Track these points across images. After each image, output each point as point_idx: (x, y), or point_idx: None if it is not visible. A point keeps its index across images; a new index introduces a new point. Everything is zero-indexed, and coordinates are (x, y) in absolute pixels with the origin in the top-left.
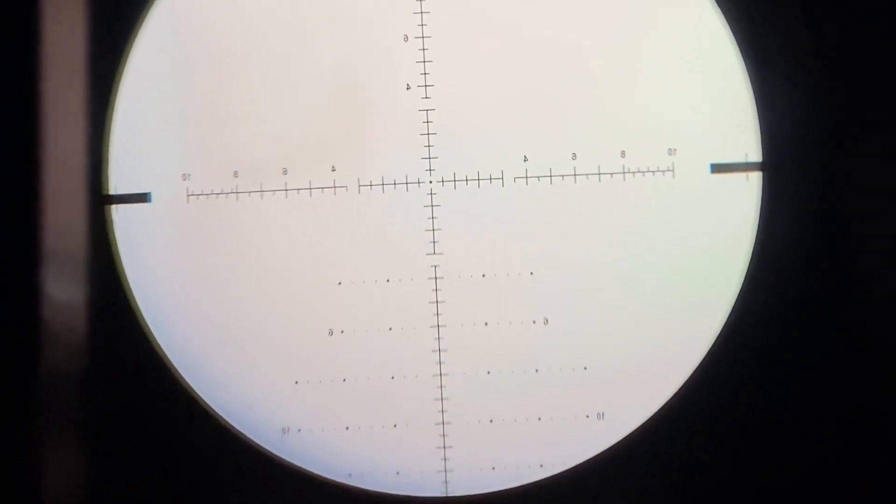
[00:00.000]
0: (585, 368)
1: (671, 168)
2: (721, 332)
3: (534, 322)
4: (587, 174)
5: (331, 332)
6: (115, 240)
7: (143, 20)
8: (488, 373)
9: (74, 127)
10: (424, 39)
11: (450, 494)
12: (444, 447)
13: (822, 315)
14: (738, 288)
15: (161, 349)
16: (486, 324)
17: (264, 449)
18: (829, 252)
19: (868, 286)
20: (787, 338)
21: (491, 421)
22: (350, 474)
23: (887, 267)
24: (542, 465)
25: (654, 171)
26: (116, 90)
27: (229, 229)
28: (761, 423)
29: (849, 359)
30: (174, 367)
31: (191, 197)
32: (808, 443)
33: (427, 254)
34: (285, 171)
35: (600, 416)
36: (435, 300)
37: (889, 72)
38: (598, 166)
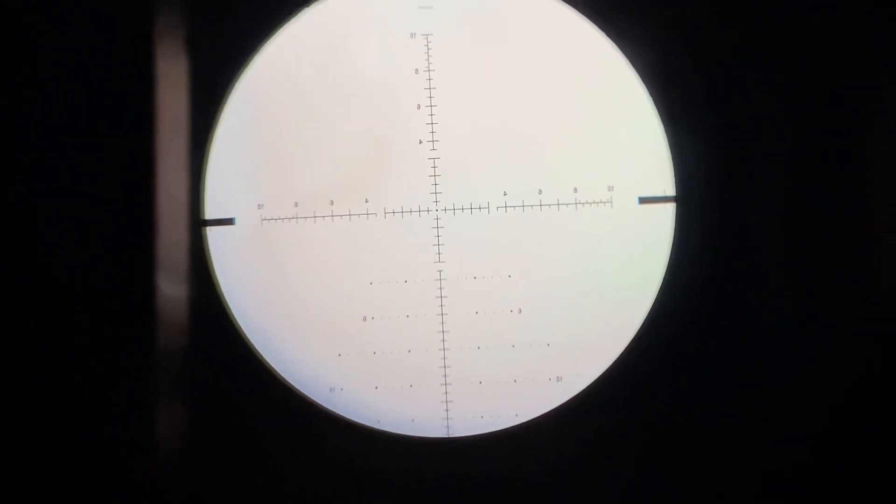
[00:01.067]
0: (548, 345)
1: (610, 200)
2: (645, 319)
3: (510, 311)
4: (549, 205)
5: (364, 319)
6: (209, 254)
7: (232, 87)
8: (478, 348)
9: (179, 167)
10: (432, 108)
11: (451, 435)
12: (447, 402)
13: (720, 310)
14: (658, 289)
15: (244, 333)
16: (476, 312)
17: (317, 402)
18: (726, 261)
19: (759, 290)
20: (694, 326)
21: (480, 383)
22: (378, 421)
23: (775, 277)
24: (517, 415)
25: (598, 203)
26: (212, 139)
27: (292, 246)
28: (677, 389)
29: (742, 348)
30: (253, 346)
31: (264, 221)
32: (701, 407)
33: (434, 262)
34: (332, 203)
35: (559, 379)
36: (440, 295)
37: (775, 125)
38: (558, 199)
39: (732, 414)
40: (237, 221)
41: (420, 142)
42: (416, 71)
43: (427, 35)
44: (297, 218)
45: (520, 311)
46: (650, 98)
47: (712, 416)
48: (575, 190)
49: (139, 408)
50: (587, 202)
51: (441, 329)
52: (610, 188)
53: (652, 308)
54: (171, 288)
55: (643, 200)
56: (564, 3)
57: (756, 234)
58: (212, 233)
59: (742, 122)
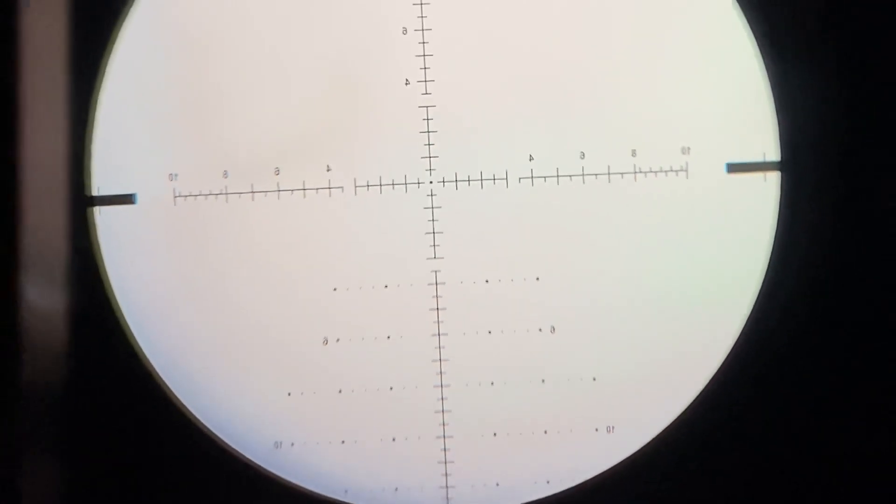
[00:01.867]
0: (594, 379)
1: (685, 168)
2: (736, 342)
3: (540, 330)
4: (596, 174)
5: (325, 341)
6: (98, 243)
7: (126, 12)
8: (492, 384)
9: (55, 125)
10: (424, 32)
11: None
12: (446, 462)
13: (843, 327)
14: (755, 296)
15: (146, 357)
16: (489, 332)
17: (255, 464)
18: (851, 257)
19: (888, 290)
20: (806, 350)
21: (494, 434)
22: (346, 490)
23: None
24: (548, 482)
25: (666, 171)
26: (99, 86)
27: (218, 232)
28: (776, 440)
29: (872, 374)
30: (159, 377)
31: (178, 198)
32: (821, 461)
33: (427, 258)
34: (277, 171)
35: (610, 429)
36: (436, 307)
37: None
38: (608, 166)
39: (848, 472)
40: (139, 199)
41: (407, 82)
42: None
43: None
44: (226, 193)
45: (552, 329)
46: (746, 21)
47: (828, 476)
48: (633, 153)
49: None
50: (651, 170)
51: (437, 357)
52: (685, 150)
53: (746, 324)
54: (44, 292)
55: (733, 168)
56: None
57: (888, 215)
58: (102, 214)
59: (872, 58)
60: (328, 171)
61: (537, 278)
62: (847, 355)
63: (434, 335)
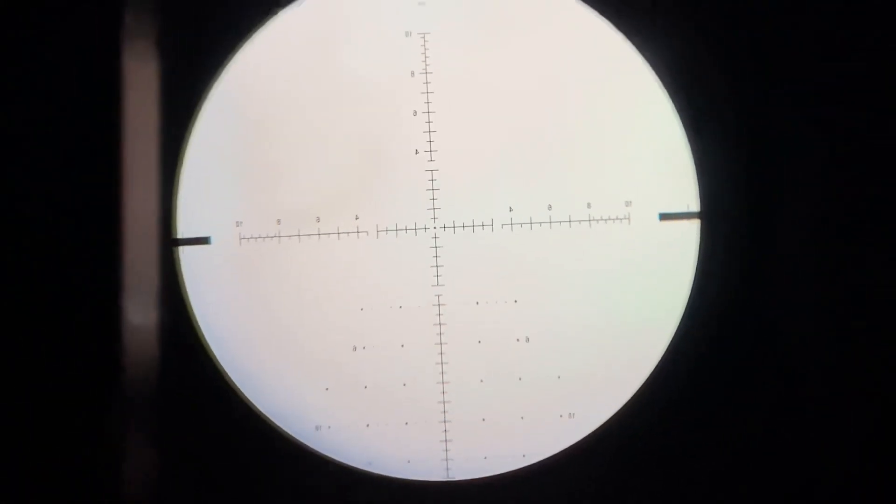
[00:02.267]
0: (559, 377)
1: (627, 216)
2: (667, 348)
3: (517, 340)
4: (560, 221)
5: (354, 349)
6: (182, 276)
7: (207, 94)
8: (481, 381)
9: (149, 182)
10: (430, 114)
11: (451, 479)
12: (446, 441)
13: (750, 334)
14: (682, 313)
15: (219, 363)
16: (479, 342)
17: (301, 442)
18: (755, 284)
19: (788, 311)
20: (722, 353)
21: (483, 420)
22: (370, 462)
23: (805, 296)
24: (524, 456)
25: (614, 219)
26: (184, 153)
27: (273, 267)
28: (702, 421)
29: (772, 370)
30: (230, 378)
31: (242, 240)
32: (726, 441)
33: (432, 285)
34: (318, 220)
35: (571, 415)
36: (438, 322)
37: (805, 136)
38: (569, 216)
39: (761, 456)
40: (213, 240)
41: (416, 152)
42: (413, 73)
43: (424, 34)
44: (279, 237)
45: (527, 339)
46: (671, 103)
47: (739, 458)
48: (588, 205)
49: (104, 449)
50: (602, 219)
51: (440, 360)
52: (627, 203)
53: (674, 337)
54: (140, 314)
55: (664, 217)
56: None
57: (790, 254)
58: (185, 253)
59: (772, 127)
60: (356, 219)
61: (515, 301)
62: (753, 358)
63: (437, 344)
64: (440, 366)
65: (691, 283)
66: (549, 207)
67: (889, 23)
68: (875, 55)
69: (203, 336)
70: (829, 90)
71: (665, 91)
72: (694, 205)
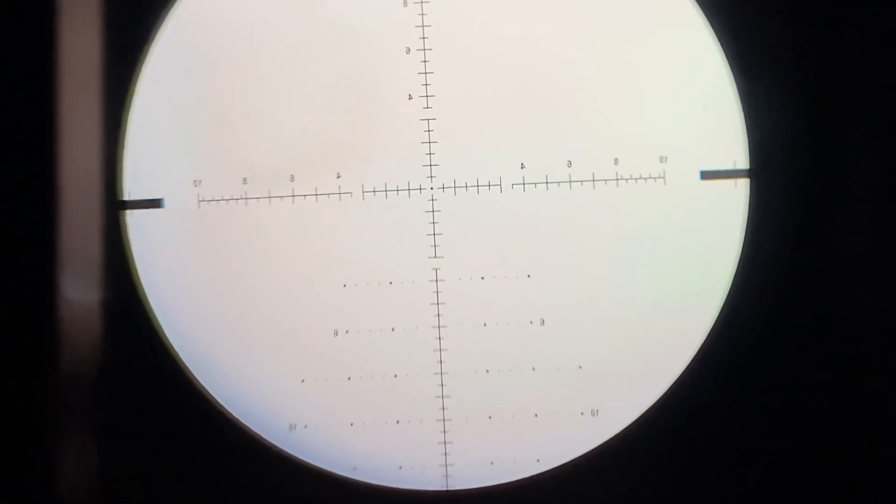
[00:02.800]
0: (580, 367)
1: (662, 175)
2: (710, 332)
3: (531, 323)
4: (582, 181)
5: (336, 333)
6: (129, 244)
7: (156, 31)
8: (487, 371)
9: (90, 135)
10: (426, 52)
11: (450, 488)
12: (445, 443)
13: (807, 317)
14: (727, 290)
15: (173, 348)
16: (484, 324)
17: (272, 444)
18: (813, 256)
19: (851, 289)
20: (774, 339)
21: (490, 417)
22: (354, 468)
23: (870, 271)
24: (538, 460)
25: (646, 178)
26: (131, 100)
27: (238, 234)
28: (748, 422)
29: (832, 358)
30: (186, 366)
31: (202, 203)
32: (793, 441)
33: (428, 257)
34: (292, 178)
35: (594, 412)
36: (436, 301)
37: (870, 81)
38: (593, 173)
39: (822, 453)
40: (166, 203)
41: (410, 97)
42: (405, 2)
43: None
44: (245, 198)
45: (542, 322)
46: (716, 39)
47: (789, 461)
48: (616, 161)
49: (38, 448)
50: (632, 177)
51: (437, 346)
52: (662, 159)
53: (717, 319)
54: (80, 289)
55: (706, 175)
56: None
57: (851, 218)
58: (133, 217)
59: (834, 75)
60: (338, 178)
61: (528, 275)
62: (809, 347)
63: (434, 327)
64: (438, 353)
65: (738, 254)
66: (569, 164)
67: None
68: None
69: (154, 316)
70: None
71: (708, 25)
72: (742, 161)
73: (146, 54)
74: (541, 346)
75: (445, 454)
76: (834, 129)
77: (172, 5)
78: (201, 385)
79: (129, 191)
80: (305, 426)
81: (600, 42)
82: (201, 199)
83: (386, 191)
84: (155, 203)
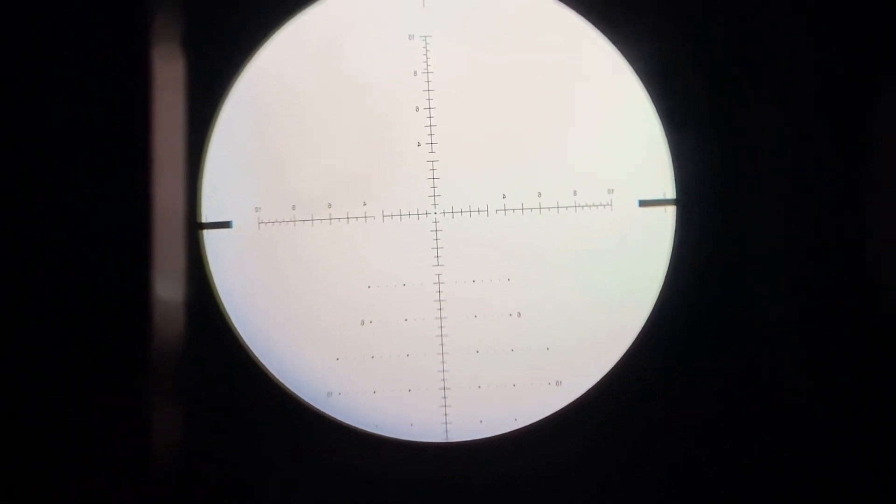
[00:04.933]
0: (548, 349)
1: (610, 203)
2: (645, 324)
3: (510, 315)
4: (549, 207)
5: (362, 322)
6: (206, 257)
7: (229, 90)
8: (477, 352)
9: (176, 170)
10: (431, 110)
11: (450, 440)
12: (445, 406)
13: (721, 318)
14: (658, 292)
15: (241, 338)
16: (475, 316)
17: (314, 406)
18: (725, 266)
19: (760, 292)
20: (694, 328)
21: (479, 387)
22: (376, 426)
23: (778, 288)
24: (516, 420)
25: (597, 206)
26: (209, 142)
27: (288, 249)
28: (674, 394)
29: (739, 338)
30: (250, 350)
31: (261, 224)
32: (701, 407)
33: (433, 265)
34: (330, 206)
35: (559, 383)
36: (438, 299)
37: (774, 130)
38: (557, 202)
39: (732, 418)
40: (234, 224)
41: (419, 144)
42: (415, 73)
43: (426, 37)
44: (294, 221)
45: (519, 314)
46: (649, 98)
47: (712, 420)
48: (574, 193)
49: (135, 415)
50: (587, 205)
51: (440, 333)
52: (610, 191)
53: (652, 312)
54: (169, 292)
55: (643, 203)
56: (563, 4)
57: (758, 237)
58: (209, 236)
59: (743, 121)
60: (364, 205)
61: (508, 279)
62: (719, 334)
63: (437, 318)
64: (440, 338)
65: (667, 264)
66: (539, 195)
67: (853, 20)
68: (846, 46)
69: (226, 312)
70: (802, 82)
71: (643, 87)
72: (670, 192)
73: (220, 108)
74: (518, 333)
75: (445, 415)
76: (743, 167)
77: (240, 71)
78: (261, 363)
79: (206, 214)
80: (339, 393)
81: (562, 102)
82: (261, 221)
83: (401, 215)
84: (225, 224)
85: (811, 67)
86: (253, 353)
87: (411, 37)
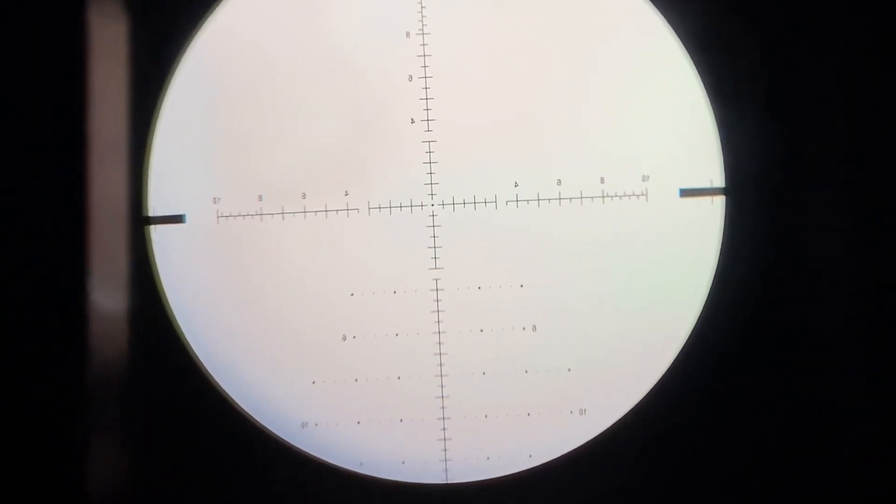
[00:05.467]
0: (569, 370)
1: (644, 193)
2: (688, 338)
3: (523, 329)
4: (570, 198)
5: (344, 338)
6: (153, 257)
7: (179, 60)
8: (483, 374)
9: (117, 155)
10: (427, 80)
11: (450, 481)
12: (445, 439)
13: (778, 325)
14: (704, 299)
15: (194, 352)
16: (481, 330)
17: (285, 441)
18: (783, 269)
19: (815, 295)
20: (746, 344)
21: (486, 416)
22: (361, 463)
23: (836, 283)
24: (530, 456)
25: (629, 196)
26: (155, 123)
27: (254, 247)
28: (724, 420)
29: (801, 357)
30: (206, 369)
31: (220, 218)
32: (760, 440)
33: (429, 268)
34: (304, 196)
35: (582, 411)
36: (436, 309)
37: (840, 104)
38: (580, 191)
39: (789, 457)
40: (188, 219)
41: (412, 121)
42: (408, 34)
43: None
44: (261, 214)
45: (534, 328)
46: (693, 67)
47: (765, 458)
48: (602, 180)
49: (68, 449)
50: (617, 195)
51: (438, 350)
52: (645, 178)
53: (696, 325)
54: (108, 299)
55: (685, 193)
56: None
57: (822, 235)
58: (157, 232)
59: (806, 96)
60: (346, 195)
61: (521, 285)
62: (781, 350)
63: (435, 333)
64: (438, 357)
65: (715, 266)
66: (559, 182)
67: None
68: None
69: (177, 323)
70: (868, 53)
71: (687, 54)
72: (718, 180)
73: (170, 81)
74: (533, 351)
75: (445, 450)
76: (804, 150)
77: (194, 36)
78: (220, 387)
79: (154, 207)
80: (316, 424)
81: (587, 71)
82: (220, 214)
83: (390, 207)
84: (177, 219)
85: (881, 33)
86: (211, 374)
87: None
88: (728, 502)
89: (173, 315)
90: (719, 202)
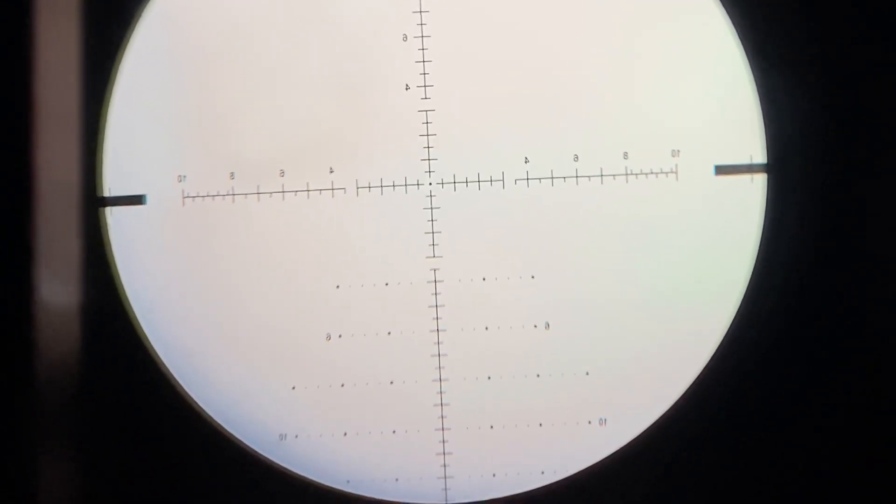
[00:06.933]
0: (587, 374)
1: (674, 170)
2: (725, 336)
3: (535, 326)
4: (589, 176)
5: (328, 337)
6: (109, 242)
7: (136, 21)
8: (489, 378)
9: (68, 129)
10: (424, 39)
11: (450, 502)
12: (444, 453)
13: (827, 319)
14: (743, 291)
15: (155, 353)
16: (486, 328)
17: (261, 455)
18: (834, 255)
19: (874, 289)
20: (792, 342)
21: (491, 427)
22: (348, 481)
23: (893, 269)
24: (542, 472)
25: (657, 173)
26: (111, 92)
27: (225, 232)
28: (765, 429)
29: (853, 363)
30: (168, 371)
31: (186, 199)
32: (810, 448)
33: (426, 257)
34: (282, 173)
35: (602, 421)
36: (434, 304)
37: (891, 74)
38: (601, 168)
39: (839, 469)
40: (148, 200)
41: (407, 87)
42: None
43: None
44: (233, 195)
45: (547, 325)
46: (733, 30)
47: (811, 471)
48: (625, 155)
49: (14, 461)
50: (642, 172)
51: (436, 352)
52: (675, 153)
53: (733, 320)
54: (58, 290)
55: (721, 170)
56: None
57: (873, 216)
58: (113, 215)
59: (858, 65)
60: (331, 172)
61: (532, 276)
62: (829, 350)
63: (433, 331)
64: (437, 359)
65: (754, 254)
66: (576, 158)
67: None
68: None
69: (136, 319)
70: None
71: (724, 11)
72: (759, 156)
73: (125, 47)
74: (545, 352)
75: (444, 465)
76: (856, 122)
77: None
78: (185, 391)
79: (110, 187)
80: (296, 436)
81: (609, 29)
82: (186, 195)
83: (381, 186)
84: (136, 200)
85: None
86: (173, 376)
87: None
88: None
89: (132, 309)
90: (760, 180)
